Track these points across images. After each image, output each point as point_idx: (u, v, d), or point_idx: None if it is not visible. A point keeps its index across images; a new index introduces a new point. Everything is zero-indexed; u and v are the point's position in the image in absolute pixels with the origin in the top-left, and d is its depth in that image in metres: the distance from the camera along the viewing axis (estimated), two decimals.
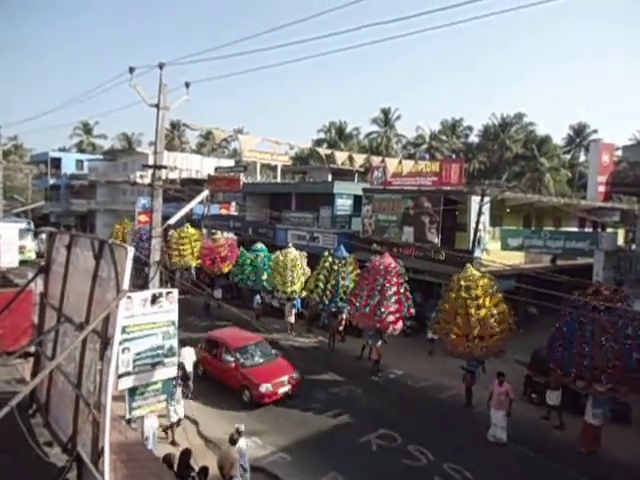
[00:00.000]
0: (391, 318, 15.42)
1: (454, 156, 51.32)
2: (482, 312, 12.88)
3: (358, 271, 18.41)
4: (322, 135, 59.88)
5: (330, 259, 18.75)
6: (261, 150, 32.92)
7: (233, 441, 8.69)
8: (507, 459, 10.78)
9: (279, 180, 40.06)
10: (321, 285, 18.23)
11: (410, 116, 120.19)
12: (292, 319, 20.20)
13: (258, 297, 22.03)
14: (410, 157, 50.03)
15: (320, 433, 11.67)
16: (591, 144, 23.11)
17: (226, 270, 24.00)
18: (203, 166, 44.04)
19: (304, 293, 20.08)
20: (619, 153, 18.96)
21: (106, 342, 4.44)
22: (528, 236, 18.55)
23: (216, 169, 37.09)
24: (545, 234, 18.33)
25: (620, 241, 25.06)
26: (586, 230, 25.96)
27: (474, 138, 59.05)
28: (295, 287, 19.89)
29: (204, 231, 28.63)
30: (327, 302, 18.05)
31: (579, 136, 53.57)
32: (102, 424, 4.19)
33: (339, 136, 58.57)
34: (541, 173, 49.40)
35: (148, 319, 8.28)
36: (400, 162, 16.88)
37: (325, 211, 26.21)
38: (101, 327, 4.49)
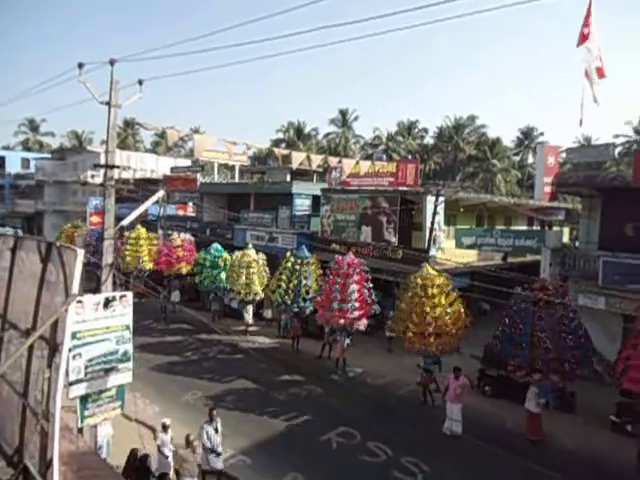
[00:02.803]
0: (356, 314, 15.67)
1: (410, 157, 52.38)
2: (438, 310, 13.25)
3: (320, 271, 18.53)
4: (281, 135, 59.77)
5: (292, 259, 18.75)
6: (218, 150, 32.44)
7: (188, 443, 8.71)
8: (462, 451, 11.14)
9: (237, 180, 39.65)
10: (283, 285, 18.18)
11: (368, 117, 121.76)
12: (250, 320, 20.03)
13: (216, 299, 21.72)
14: (368, 157, 50.66)
15: (280, 434, 11.66)
16: (537, 146, 24.26)
17: (184, 272, 23.53)
18: (158, 166, 42.94)
19: (263, 294, 19.94)
20: (564, 155, 19.92)
21: (54, 348, 4.26)
22: (481, 235, 19.21)
23: (172, 169, 36.25)
24: (496, 233, 19.06)
25: (565, 239, 26.41)
26: (534, 228, 27.19)
27: (429, 139, 60.55)
28: (254, 288, 19.71)
29: (160, 232, 27.95)
30: (289, 302, 18.04)
31: (527, 138, 55.91)
32: (51, 434, 4.02)
33: (298, 136, 58.59)
34: (493, 174, 51.27)
35: (101, 324, 8.03)
36: (357, 163, 17.07)
37: (284, 211, 26.16)
38: (49, 333, 4.30)
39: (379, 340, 18.29)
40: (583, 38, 13.05)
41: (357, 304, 15.60)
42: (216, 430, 9.29)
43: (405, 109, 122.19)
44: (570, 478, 9.46)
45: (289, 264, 18.57)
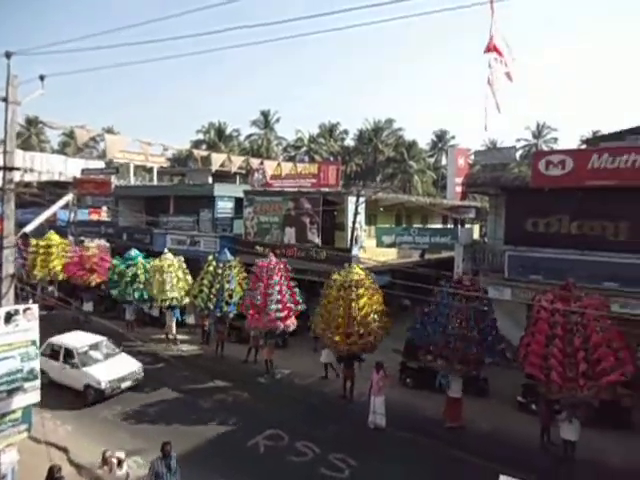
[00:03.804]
0: (282, 315, 15.71)
1: (332, 158, 53.37)
2: (364, 311, 13.60)
3: (244, 274, 18.31)
4: (201, 136, 58.28)
5: (214, 263, 18.35)
6: (133, 151, 30.95)
7: (105, 461, 8.15)
8: (387, 443, 11.54)
9: (155, 183, 38.08)
10: (205, 290, 17.74)
11: (290, 119, 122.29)
12: (173, 328, 19.33)
13: (131, 307, 20.71)
14: (291, 159, 50.94)
15: (207, 442, 11.37)
16: (449, 149, 25.81)
17: (97, 281, 22.15)
18: (67, 167, 39.97)
19: (186, 300, 19.31)
20: (473, 157, 21.33)
21: None
22: (399, 233, 20.03)
23: (83, 171, 33.96)
24: (414, 231, 19.99)
25: (476, 235, 28.29)
26: (448, 226, 28.83)
27: (350, 141, 62.07)
28: (174, 294, 19.00)
29: (71, 239, 26.14)
30: (212, 307, 17.64)
31: (441, 141, 59.22)
32: None
33: (219, 137, 57.50)
34: (410, 175, 53.69)
35: (2, 340, 7.41)
36: (279, 164, 17.08)
37: (206, 214, 25.58)
38: None
39: (306, 340, 18.39)
40: (490, 45, 13.91)
41: (281, 305, 15.65)
42: (169, 468, 8.06)
43: (327, 111, 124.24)
44: (486, 459, 10.06)
45: (211, 268, 18.16)
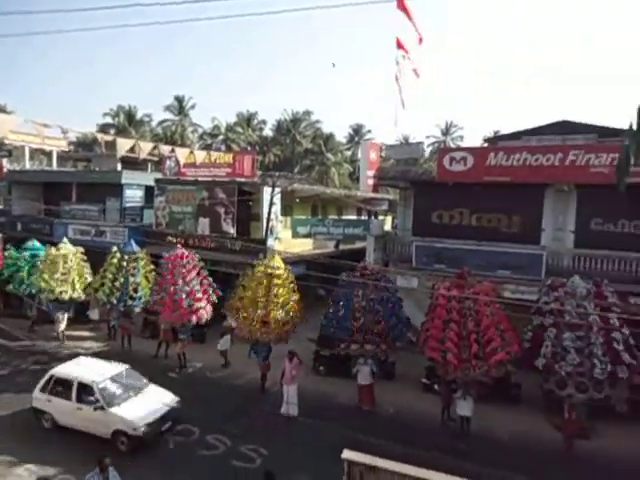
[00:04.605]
0: (194, 308, 15.34)
1: (250, 148, 52.67)
2: (281, 300, 13.67)
3: (151, 266, 17.58)
4: (109, 120, 54.62)
5: (119, 255, 17.40)
6: (28, 132, 28.26)
7: None
8: (299, 431, 11.71)
9: (55, 168, 35.18)
10: (108, 283, 16.79)
11: (207, 106, 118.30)
12: (63, 325, 17.84)
13: (33, 303, 19.07)
14: (207, 148, 49.47)
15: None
16: (361, 143, 26.55)
17: None
18: None
19: (82, 295, 18.07)
20: (385, 151, 22.14)
21: None
22: (315, 224, 20.32)
23: None
24: (329, 222, 20.39)
25: (388, 227, 29.50)
26: (362, 218, 29.73)
27: (269, 132, 61.56)
28: (70, 287, 17.70)
29: None
30: (115, 301, 16.73)
31: (357, 135, 60.68)
32: None
33: (129, 122, 54.27)
34: (327, 167, 54.50)
35: None
36: (192, 152, 16.64)
37: (113, 203, 24.12)
38: None
39: (219, 332, 18.12)
40: (399, 43, 14.44)
41: (193, 298, 15.28)
42: None
43: (244, 101, 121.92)
44: (392, 441, 10.58)
45: (115, 260, 17.26)
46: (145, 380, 12.17)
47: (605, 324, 10.87)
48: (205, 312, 15.76)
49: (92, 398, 10.85)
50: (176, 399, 11.80)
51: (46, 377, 11.53)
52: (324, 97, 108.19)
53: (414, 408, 13.01)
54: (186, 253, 16.06)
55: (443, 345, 10.79)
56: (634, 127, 9.00)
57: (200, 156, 17.51)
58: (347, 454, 5.26)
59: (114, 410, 10.64)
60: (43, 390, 11.35)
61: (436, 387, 13.48)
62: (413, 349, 13.30)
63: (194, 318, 15.40)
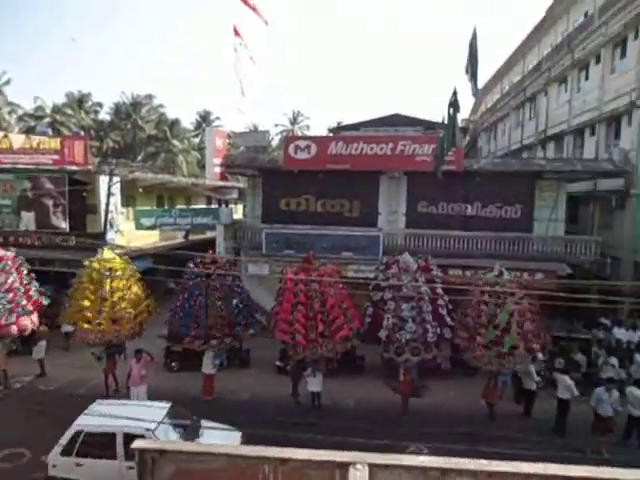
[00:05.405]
0: (13, 317, 13.28)
1: (83, 133, 47.50)
2: (116, 295, 12.70)
3: None
4: None
5: None
6: None
7: None
8: None
9: None
10: None
11: (31, 84, 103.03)
12: None
13: None
14: (30, 131, 43.23)
15: None
16: (207, 130, 25.80)
17: None
18: None
19: None
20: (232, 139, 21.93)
21: None
22: (160, 215, 19.32)
23: None
24: (175, 212, 19.56)
25: (239, 215, 29.40)
26: (213, 207, 29.12)
27: (105, 115, 56.21)
28: None
29: None
30: None
31: (205, 121, 58.79)
32: None
33: None
34: (174, 154, 51.91)
35: None
36: (6, 136, 14.39)
37: None
38: None
39: (55, 339, 16.22)
40: (235, 30, 14.36)
41: (12, 306, 13.26)
42: None
43: (73, 80, 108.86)
44: (239, 426, 10.60)
45: None
46: (194, 418, 10.00)
47: (433, 294, 12.37)
48: (30, 321, 13.75)
49: None
50: (239, 434, 9.59)
51: (68, 435, 8.84)
52: (167, 80, 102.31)
53: (268, 391, 13.33)
54: (4, 254, 13.84)
55: (292, 327, 11.23)
56: (446, 121, 10.39)
57: (18, 140, 15.21)
58: (137, 444, 5.10)
59: None
60: (66, 452, 8.74)
61: (288, 368, 13.98)
62: (267, 334, 13.59)
63: (14, 329, 13.37)
